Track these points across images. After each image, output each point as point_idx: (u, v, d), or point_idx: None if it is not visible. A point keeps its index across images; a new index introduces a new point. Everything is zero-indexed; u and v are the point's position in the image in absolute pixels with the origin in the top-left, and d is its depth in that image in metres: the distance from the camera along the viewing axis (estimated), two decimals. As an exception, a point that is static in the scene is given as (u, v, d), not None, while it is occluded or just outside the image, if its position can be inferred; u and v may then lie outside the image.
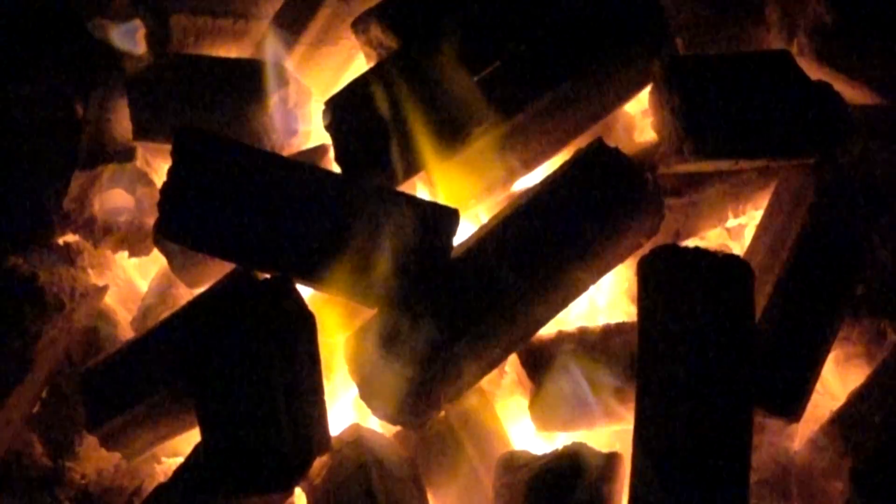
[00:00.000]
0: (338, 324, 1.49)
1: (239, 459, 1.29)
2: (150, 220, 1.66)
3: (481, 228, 1.46)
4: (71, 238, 1.78)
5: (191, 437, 1.47)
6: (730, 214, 1.62)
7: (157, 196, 1.42)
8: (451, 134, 1.46)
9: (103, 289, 1.74)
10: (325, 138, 1.52)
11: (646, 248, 1.41)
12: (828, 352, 1.45)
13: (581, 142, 1.53)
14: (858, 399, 1.47)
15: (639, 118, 1.70)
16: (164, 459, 1.64)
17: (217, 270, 1.53)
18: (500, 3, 1.54)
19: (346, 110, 1.46)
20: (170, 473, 1.47)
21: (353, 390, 1.44)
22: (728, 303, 1.28)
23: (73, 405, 1.66)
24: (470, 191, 1.52)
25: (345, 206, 1.35)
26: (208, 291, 1.52)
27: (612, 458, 1.34)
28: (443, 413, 1.44)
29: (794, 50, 1.67)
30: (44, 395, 1.71)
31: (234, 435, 1.29)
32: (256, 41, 1.86)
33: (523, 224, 1.41)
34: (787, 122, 1.47)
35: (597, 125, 1.59)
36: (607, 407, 1.43)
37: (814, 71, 1.56)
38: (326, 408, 1.37)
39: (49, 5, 1.89)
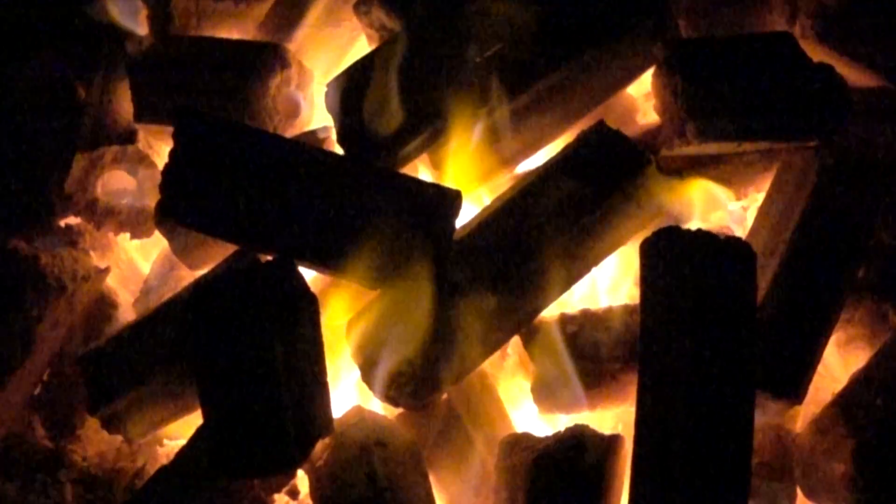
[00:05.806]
0: (340, 306, 1.48)
1: (241, 442, 1.29)
2: (152, 202, 1.66)
3: (484, 210, 1.46)
4: (73, 220, 1.78)
5: (193, 420, 1.47)
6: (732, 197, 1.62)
7: (158, 178, 1.42)
8: (453, 116, 1.46)
9: (105, 271, 1.74)
10: (328, 120, 1.52)
11: (648, 230, 1.41)
12: (830, 334, 1.45)
13: (584, 124, 1.53)
14: (860, 381, 1.47)
15: (641, 101, 1.70)
16: (166, 442, 1.64)
17: (219, 252, 1.53)
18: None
19: (348, 92, 1.47)
20: (172, 456, 1.47)
21: (356, 372, 1.44)
22: (730, 285, 1.28)
23: (74, 387, 1.66)
24: (472, 173, 1.52)
25: (347, 188, 1.35)
26: (210, 273, 1.52)
27: (614, 440, 1.34)
28: (445, 395, 1.44)
29: (797, 32, 1.67)
30: (45, 377, 1.71)
31: (236, 417, 1.29)
32: (258, 23, 1.86)
33: (526, 206, 1.41)
34: (789, 104, 1.48)
35: (599, 108, 1.59)
36: (609, 389, 1.43)
37: (816, 53, 1.56)
38: (329, 390, 1.37)
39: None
